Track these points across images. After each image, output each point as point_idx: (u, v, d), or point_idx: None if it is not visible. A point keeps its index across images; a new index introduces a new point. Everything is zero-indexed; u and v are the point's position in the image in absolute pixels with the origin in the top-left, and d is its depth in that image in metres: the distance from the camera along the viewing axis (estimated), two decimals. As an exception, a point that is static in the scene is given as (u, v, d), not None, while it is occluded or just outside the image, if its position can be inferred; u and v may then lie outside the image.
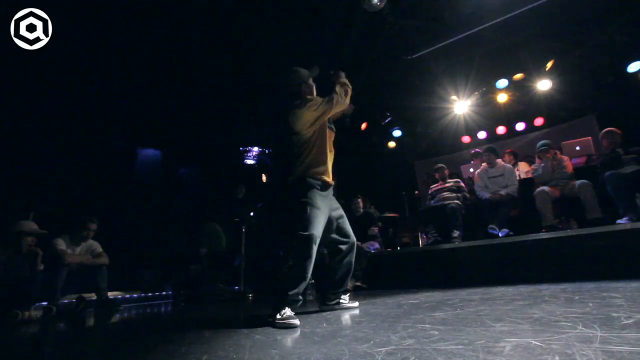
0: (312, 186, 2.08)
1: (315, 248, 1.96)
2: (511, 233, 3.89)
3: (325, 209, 2.11)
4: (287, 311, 1.79)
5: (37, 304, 3.43)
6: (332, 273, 2.34)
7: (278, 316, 1.76)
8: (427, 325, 1.40)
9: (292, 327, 1.68)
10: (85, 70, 5.06)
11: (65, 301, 3.76)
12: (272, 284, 2.13)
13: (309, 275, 1.98)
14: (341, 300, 2.34)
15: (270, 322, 1.78)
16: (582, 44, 5.27)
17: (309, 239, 1.93)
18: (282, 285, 1.91)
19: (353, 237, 2.36)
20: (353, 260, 2.34)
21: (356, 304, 2.35)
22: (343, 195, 5.30)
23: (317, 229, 1.99)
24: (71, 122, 5.73)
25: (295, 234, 1.96)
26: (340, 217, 2.33)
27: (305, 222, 1.97)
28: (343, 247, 2.30)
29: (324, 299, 2.36)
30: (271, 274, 5.31)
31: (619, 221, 3.13)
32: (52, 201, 5.14)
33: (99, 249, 3.89)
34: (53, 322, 3.08)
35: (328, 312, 2.20)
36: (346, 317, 1.96)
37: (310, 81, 2.37)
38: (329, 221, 2.20)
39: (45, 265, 3.48)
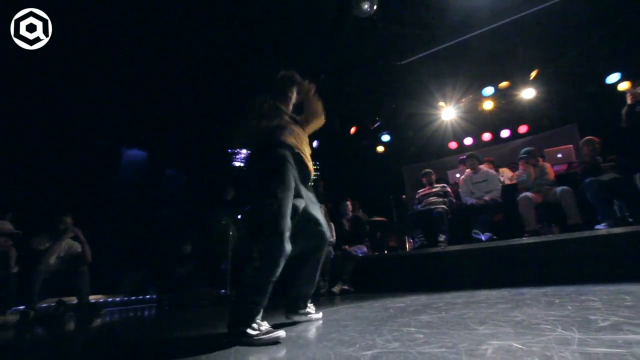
0: (282, 155, 1.72)
1: (286, 244, 1.60)
2: (494, 237, 3.97)
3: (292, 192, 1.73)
4: (263, 324, 1.48)
5: (14, 308, 3.30)
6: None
7: (252, 332, 1.42)
8: (412, 329, 1.41)
9: (278, 341, 1.41)
10: (70, 69, 4.95)
11: (45, 305, 3.63)
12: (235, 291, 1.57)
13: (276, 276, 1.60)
14: (308, 310, 2.02)
15: (243, 341, 1.41)
16: (564, 55, 5.47)
17: (281, 235, 1.58)
18: (247, 292, 1.52)
19: (325, 237, 1.97)
20: (319, 267, 1.98)
21: (320, 314, 2.05)
22: (332, 198, 5.32)
23: (287, 220, 1.62)
24: (54, 121, 5.58)
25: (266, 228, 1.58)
26: (310, 206, 1.92)
27: (277, 208, 1.59)
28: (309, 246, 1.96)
29: (292, 306, 2.00)
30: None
31: (597, 226, 3.23)
32: (32, 202, 4.98)
33: (79, 249, 3.79)
34: (30, 326, 2.98)
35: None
36: (332, 320, 1.96)
37: (294, 90, 2.18)
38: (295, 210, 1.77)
39: (21, 267, 3.35)
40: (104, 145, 6.40)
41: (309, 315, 1.99)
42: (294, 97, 2.18)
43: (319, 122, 2.17)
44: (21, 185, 5.13)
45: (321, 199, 2.20)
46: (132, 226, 6.38)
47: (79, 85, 5.24)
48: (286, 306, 2.01)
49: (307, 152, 1.93)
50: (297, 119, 2.10)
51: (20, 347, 2.12)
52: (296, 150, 1.81)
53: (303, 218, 1.84)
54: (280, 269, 1.57)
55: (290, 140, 1.81)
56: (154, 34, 4.72)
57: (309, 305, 2.04)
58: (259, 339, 1.40)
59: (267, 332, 1.43)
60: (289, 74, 2.18)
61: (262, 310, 1.55)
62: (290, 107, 2.18)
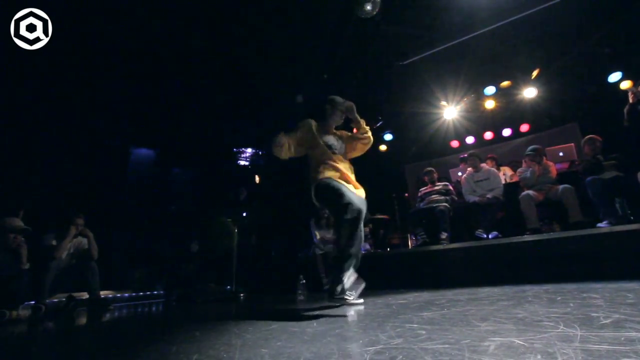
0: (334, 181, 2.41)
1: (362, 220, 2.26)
2: (500, 235, 3.98)
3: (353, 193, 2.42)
4: (354, 293, 2.22)
5: (26, 302, 3.35)
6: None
7: (349, 297, 2.14)
8: (415, 325, 1.42)
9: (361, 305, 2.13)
10: (79, 69, 4.98)
11: (55, 300, 3.69)
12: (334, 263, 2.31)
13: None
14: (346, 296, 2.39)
15: (341, 300, 2.14)
16: (566, 54, 5.45)
17: (358, 212, 2.23)
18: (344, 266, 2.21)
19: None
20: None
21: (361, 300, 2.42)
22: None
23: (356, 204, 2.27)
24: (65, 121, 5.63)
25: (341, 218, 2.23)
26: None
27: (345, 204, 2.24)
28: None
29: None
30: (263, 274, 5.30)
31: (599, 225, 3.24)
32: (44, 200, 5.04)
33: (87, 245, 3.83)
34: (42, 321, 3.02)
35: (318, 311, 2.21)
36: (336, 316, 1.98)
37: (338, 111, 2.69)
38: None
39: (32, 263, 3.40)
40: (112, 144, 6.45)
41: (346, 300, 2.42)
42: (337, 118, 2.74)
43: (364, 143, 2.74)
44: (32, 183, 5.18)
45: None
46: (140, 224, 6.44)
47: (88, 85, 5.28)
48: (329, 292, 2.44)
49: (349, 173, 2.56)
50: (338, 138, 2.69)
51: (32, 340, 2.15)
52: (339, 179, 2.46)
53: None
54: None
55: (329, 173, 2.45)
56: (161, 35, 4.73)
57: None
58: (351, 302, 2.17)
59: (357, 298, 2.20)
60: (329, 98, 2.73)
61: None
62: (333, 127, 2.75)
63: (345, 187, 2.43)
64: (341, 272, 2.20)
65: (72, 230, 3.69)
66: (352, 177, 2.60)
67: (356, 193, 2.51)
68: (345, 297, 2.15)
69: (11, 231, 3.32)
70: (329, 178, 2.44)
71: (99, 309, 3.69)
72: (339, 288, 2.15)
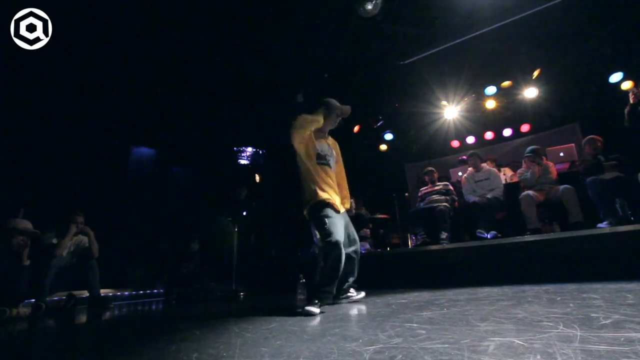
0: (326, 206, 2.39)
1: (342, 250, 2.27)
2: (499, 235, 3.98)
3: (340, 218, 2.43)
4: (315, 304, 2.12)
5: (26, 300, 3.36)
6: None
7: (307, 307, 2.06)
8: (415, 325, 1.43)
9: (311, 315, 2.00)
10: (79, 68, 4.98)
11: (55, 298, 3.70)
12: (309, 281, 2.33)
13: (340, 273, 2.30)
14: (349, 294, 2.58)
15: (299, 311, 2.09)
16: (567, 54, 5.44)
17: (336, 244, 2.24)
18: (315, 282, 2.25)
19: (357, 243, 2.59)
20: (356, 263, 2.58)
21: (363, 294, 2.62)
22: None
23: (339, 234, 2.29)
24: (65, 120, 5.64)
25: (324, 242, 2.27)
26: (347, 224, 2.57)
27: (328, 231, 2.26)
28: (349, 251, 2.52)
29: (337, 292, 2.52)
30: (263, 273, 5.31)
31: (599, 225, 3.24)
32: (43, 198, 5.05)
33: (87, 243, 3.84)
34: (42, 319, 3.03)
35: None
36: (335, 316, 1.98)
37: (334, 114, 2.60)
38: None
39: (32, 262, 3.40)
40: (112, 143, 6.45)
41: (351, 297, 2.57)
42: (332, 123, 2.63)
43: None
44: (32, 182, 5.19)
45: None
46: (140, 222, 6.45)
47: (88, 85, 5.29)
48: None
49: (335, 188, 2.54)
50: (331, 146, 2.64)
51: (32, 338, 2.15)
52: (328, 201, 2.41)
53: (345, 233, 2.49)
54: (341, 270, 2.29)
55: (324, 195, 2.41)
56: (161, 34, 4.74)
57: (350, 290, 2.58)
58: (303, 310, 2.05)
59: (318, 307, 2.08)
60: (324, 100, 2.61)
61: (328, 296, 2.26)
62: (327, 132, 2.67)
63: (338, 218, 2.41)
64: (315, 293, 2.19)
65: (72, 228, 3.70)
66: (338, 194, 2.59)
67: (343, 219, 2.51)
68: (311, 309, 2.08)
69: (20, 233, 3.32)
70: (328, 204, 2.40)
71: (99, 307, 3.70)
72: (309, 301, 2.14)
